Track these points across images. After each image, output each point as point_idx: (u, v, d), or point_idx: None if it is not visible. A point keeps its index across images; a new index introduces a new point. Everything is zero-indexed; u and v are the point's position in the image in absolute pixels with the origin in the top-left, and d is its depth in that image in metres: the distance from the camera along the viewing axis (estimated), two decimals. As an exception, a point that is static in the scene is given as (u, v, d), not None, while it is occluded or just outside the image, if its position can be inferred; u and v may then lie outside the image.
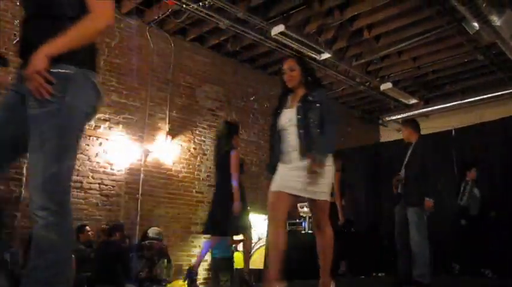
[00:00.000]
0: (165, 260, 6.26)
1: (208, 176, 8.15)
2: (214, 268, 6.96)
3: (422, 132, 4.99)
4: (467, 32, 7.07)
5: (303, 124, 3.05)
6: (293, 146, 3.09)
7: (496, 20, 6.41)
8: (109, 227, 6.30)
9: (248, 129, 9.12)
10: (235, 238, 6.50)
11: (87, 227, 5.99)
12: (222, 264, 6.73)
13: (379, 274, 6.61)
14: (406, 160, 4.78)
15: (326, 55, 7.84)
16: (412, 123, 5.03)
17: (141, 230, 6.76)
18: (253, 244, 7.18)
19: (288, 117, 3.14)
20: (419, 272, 4.39)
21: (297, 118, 3.08)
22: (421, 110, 10.60)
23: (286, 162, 3.11)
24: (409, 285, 4.41)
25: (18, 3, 6.10)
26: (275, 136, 3.21)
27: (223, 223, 4.79)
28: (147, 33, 7.56)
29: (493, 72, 9.17)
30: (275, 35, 7.10)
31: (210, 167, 8.24)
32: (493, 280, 5.73)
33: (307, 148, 3.00)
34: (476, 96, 9.77)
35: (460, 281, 5.64)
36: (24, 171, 5.88)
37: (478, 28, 6.75)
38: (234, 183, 4.76)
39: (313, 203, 3.12)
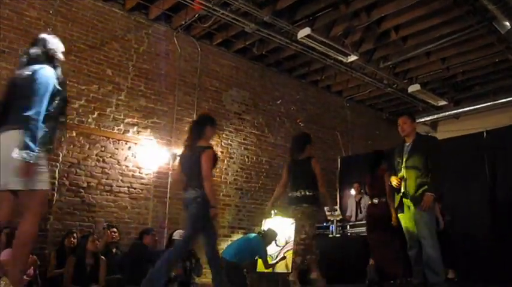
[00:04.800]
0: (193, 259, 6.30)
1: (235, 179, 8.19)
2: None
3: (453, 134, 4.86)
4: (498, 31, 6.93)
5: None
6: None
7: (529, 19, 6.26)
8: (140, 231, 6.38)
9: (275, 133, 9.11)
10: None
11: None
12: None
13: (408, 279, 6.48)
14: (406, 157, 4.35)
15: (353, 57, 7.76)
16: (413, 116, 4.63)
17: (169, 234, 6.82)
18: (280, 248, 7.16)
19: None
20: (438, 280, 4.03)
21: None
22: (450, 112, 10.39)
23: None
24: None
25: (51, 12, 6.29)
26: None
27: None
28: (174, 38, 7.67)
29: (525, 72, 8.95)
30: (301, 38, 7.07)
31: (237, 171, 8.29)
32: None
33: None
34: (508, 97, 9.51)
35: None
36: (57, 175, 6.04)
37: (509, 27, 6.61)
38: None
39: None
